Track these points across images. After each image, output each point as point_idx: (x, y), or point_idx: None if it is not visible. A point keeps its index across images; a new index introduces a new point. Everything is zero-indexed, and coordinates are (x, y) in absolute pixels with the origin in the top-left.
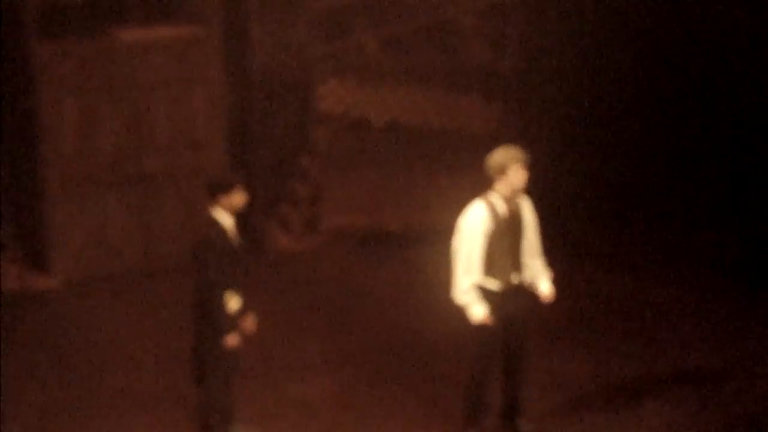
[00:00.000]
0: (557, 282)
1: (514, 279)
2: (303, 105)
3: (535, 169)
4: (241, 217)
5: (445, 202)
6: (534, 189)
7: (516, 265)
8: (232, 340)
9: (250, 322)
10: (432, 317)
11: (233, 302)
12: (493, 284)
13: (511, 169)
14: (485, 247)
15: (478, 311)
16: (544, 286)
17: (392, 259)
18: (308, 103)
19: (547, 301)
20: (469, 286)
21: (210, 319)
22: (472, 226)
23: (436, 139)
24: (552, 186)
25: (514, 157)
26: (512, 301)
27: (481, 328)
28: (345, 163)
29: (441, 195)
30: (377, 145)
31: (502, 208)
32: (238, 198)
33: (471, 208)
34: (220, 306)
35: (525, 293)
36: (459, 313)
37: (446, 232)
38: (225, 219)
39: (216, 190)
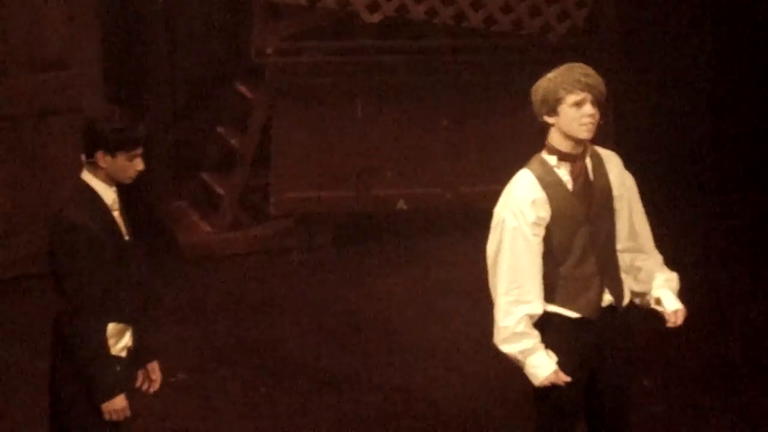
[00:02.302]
0: (687, 293)
1: (606, 297)
2: None
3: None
4: (133, 192)
5: (501, 159)
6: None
7: (608, 271)
8: (117, 405)
9: (150, 375)
10: (455, 364)
11: (121, 339)
12: (568, 311)
13: (566, 102)
14: (546, 249)
15: (541, 365)
16: (669, 302)
17: (391, 262)
18: None
19: (674, 326)
20: (521, 322)
21: (79, 368)
22: (518, 217)
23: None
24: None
25: (572, 80)
26: (604, 337)
27: (550, 390)
28: (316, 97)
29: (492, 146)
30: (369, 70)
31: (565, 176)
32: (133, 165)
33: (512, 186)
34: (97, 345)
35: (626, 322)
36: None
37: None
38: (105, 192)
39: (99, 143)
